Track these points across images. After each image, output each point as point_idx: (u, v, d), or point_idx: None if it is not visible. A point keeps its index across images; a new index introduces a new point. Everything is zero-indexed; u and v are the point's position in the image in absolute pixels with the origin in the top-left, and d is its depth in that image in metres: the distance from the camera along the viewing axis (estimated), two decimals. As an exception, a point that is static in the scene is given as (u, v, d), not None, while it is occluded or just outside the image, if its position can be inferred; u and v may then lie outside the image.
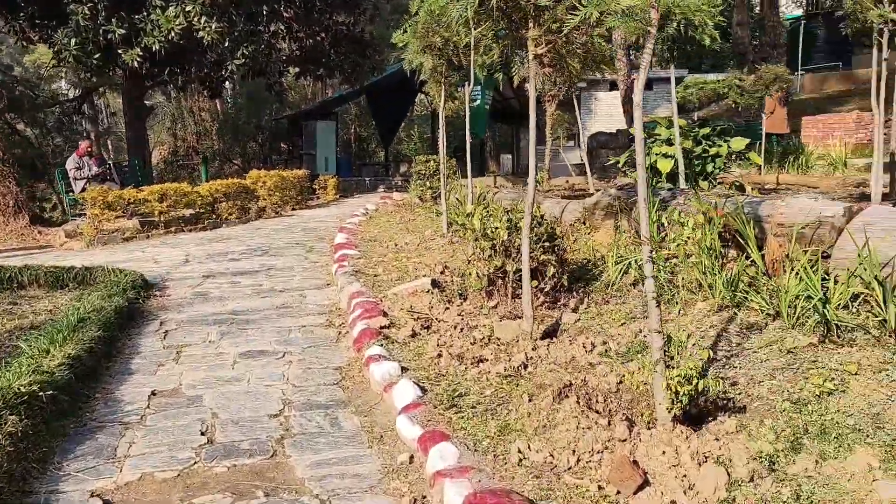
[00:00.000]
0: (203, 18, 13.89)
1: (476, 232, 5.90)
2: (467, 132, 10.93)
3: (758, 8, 32.17)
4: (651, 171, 10.89)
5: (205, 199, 13.00)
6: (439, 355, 4.85)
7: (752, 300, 4.83)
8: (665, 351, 3.58)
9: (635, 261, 5.89)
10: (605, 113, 34.86)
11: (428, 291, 6.23)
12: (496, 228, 5.82)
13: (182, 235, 12.02)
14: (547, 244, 5.80)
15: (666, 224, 6.30)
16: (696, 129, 10.72)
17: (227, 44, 15.12)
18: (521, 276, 5.83)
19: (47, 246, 11.66)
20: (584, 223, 8.07)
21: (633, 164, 11.68)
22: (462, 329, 5.39)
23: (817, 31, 30.39)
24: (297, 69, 21.66)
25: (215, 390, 4.67)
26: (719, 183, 10.74)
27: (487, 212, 6.06)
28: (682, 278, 5.57)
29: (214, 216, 13.25)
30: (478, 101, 23.00)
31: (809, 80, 30.49)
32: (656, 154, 10.57)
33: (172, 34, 13.83)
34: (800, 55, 30.61)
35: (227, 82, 20.90)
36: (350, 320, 5.90)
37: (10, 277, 7.59)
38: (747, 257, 5.33)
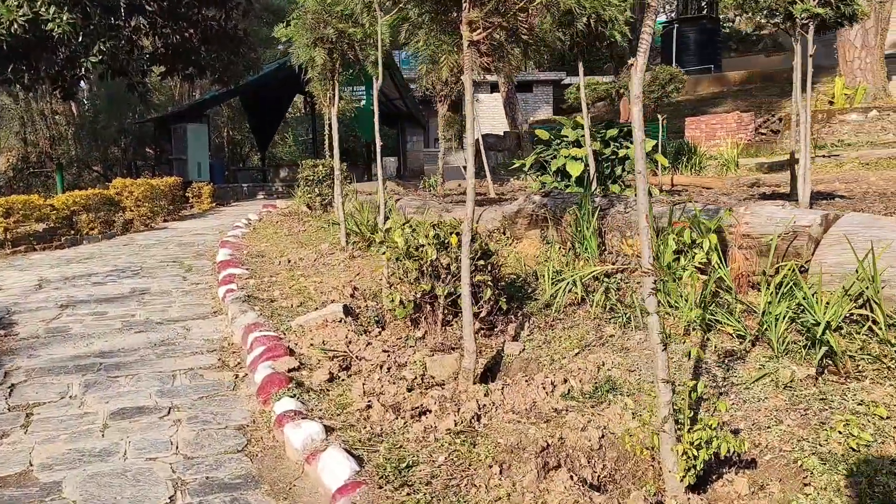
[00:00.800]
0: (52, 9, 12.26)
1: (398, 251, 5.03)
2: (376, 134, 9.99)
3: (628, 11, 33.02)
4: (559, 175, 10.38)
5: (60, 213, 11.39)
6: (369, 406, 3.94)
7: (725, 322, 4.23)
8: (674, 405, 2.86)
9: (579, 278, 5.19)
10: (487, 115, 34.71)
11: (340, 321, 5.29)
12: (422, 246, 4.98)
13: (34, 255, 10.40)
14: (481, 262, 5.02)
15: (606, 234, 5.67)
16: (604, 130, 10.29)
17: (80, 38, 13.48)
18: (453, 300, 5.02)
19: None
20: (504, 233, 7.36)
21: (541, 168, 11.17)
22: (390, 368, 4.50)
23: (689, 34, 31.44)
24: (162, 68, 19.93)
25: (80, 472, 3.55)
26: (627, 186, 10.36)
27: (411, 227, 5.20)
28: (635, 296, 4.94)
29: (73, 232, 11.64)
30: (364, 102, 22.07)
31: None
32: (565, 157, 10.06)
33: (15, 26, 12.09)
34: (673, 58, 31.58)
35: (82, 82, 18.87)
36: (249, 361, 4.88)
37: None
38: (705, 273, 4.75)
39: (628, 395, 3.81)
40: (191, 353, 5.39)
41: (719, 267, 4.50)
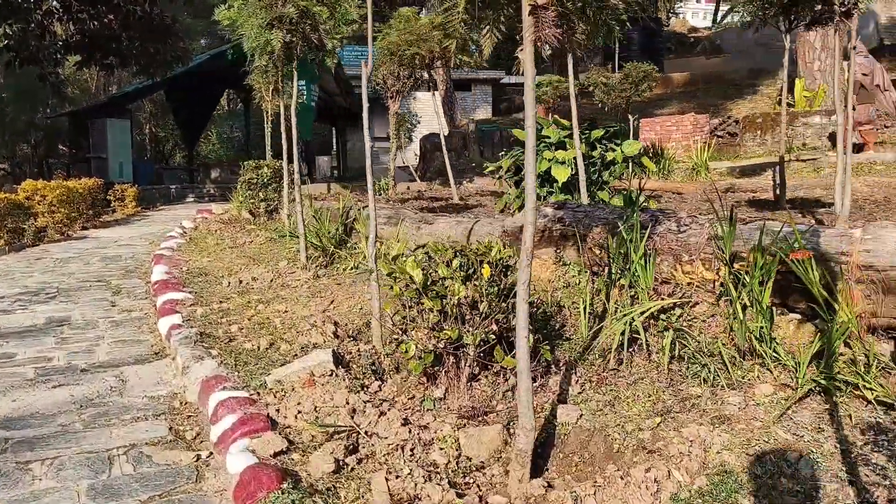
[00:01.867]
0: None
1: (411, 285, 3.86)
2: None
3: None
4: (543, 180, 9.35)
5: (-43, 221, 9.69)
6: (403, 520, 2.78)
7: (861, 384, 3.23)
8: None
9: (638, 316, 4.13)
10: (424, 114, 33.58)
11: (331, 374, 4.08)
12: (443, 279, 3.82)
13: (-77, 273, 8.73)
14: (513, 299, 3.89)
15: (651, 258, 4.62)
16: (588, 131, 9.31)
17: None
18: (485, 350, 3.89)
19: None
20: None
21: (518, 171, 10.11)
22: (413, 450, 3.33)
23: (631, 34, 31.03)
24: (78, 57, 18.06)
25: None
26: (616, 192, 9.42)
27: (427, 252, 4.04)
28: (703, 338, 3.92)
29: (-27, 243, 9.96)
30: (304, 98, 20.61)
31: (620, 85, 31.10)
32: (549, 160, 9.02)
33: None
34: (616, 58, 31.17)
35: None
36: (216, 436, 3.62)
37: None
38: (809, 316, 3.77)
39: (761, 496, 2.77)
40: (131, 418, 4.07)
41: (840, 308, 3.50)
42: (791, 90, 17.65)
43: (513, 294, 3.89)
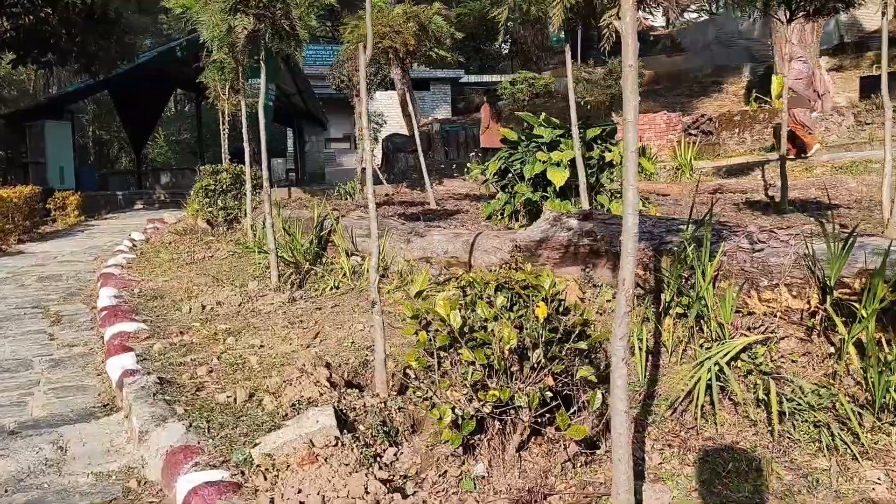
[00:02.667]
0: None
1: (445, 328, 2.98)
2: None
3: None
4: (536, 184, 8.53)
5: None
6: None
7: None
8: None
9: (722, 360, 3.30)
10: (386, 114, 32.61)
11: (336, 443, 3.16)
12: (486, 326, 2.95)
13: None
14: (581, 344, 3.03)
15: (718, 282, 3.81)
16: (582, 130, 8.52)
17: None
18: (539, 415, 3.02)
19: None
20: (514, 268, 5.38)
21: (506, 174, 9.27)
22: (465, 562, 2.45)
23: (593, 32, 30.47)
24: (12, 55, 16.64)
25: None
26: (615, 197, 8.65)
27: (460, 285, 3.15)
28: (824, 392, 3.12)
29: None
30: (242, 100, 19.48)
31: (583, 85, 30.68)
32: (543, 162, 8.21)
33: None
34: (579, 56, 30.66)
35: None
36: (189, 542, 2.68)
37: None
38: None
39: None
40: (73, 508, 3.10)
41: None
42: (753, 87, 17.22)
43: (571, 338, 3.04)
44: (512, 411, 2.92)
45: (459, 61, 25.76)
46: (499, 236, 5.73)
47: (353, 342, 4.83)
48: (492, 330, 2.91)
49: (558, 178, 7.97)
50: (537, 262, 5.10)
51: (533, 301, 3.00)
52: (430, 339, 3.03)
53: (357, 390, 3.92)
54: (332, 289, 6.62)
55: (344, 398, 3.69)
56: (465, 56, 33.52)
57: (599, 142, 8.75)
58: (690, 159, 13.15)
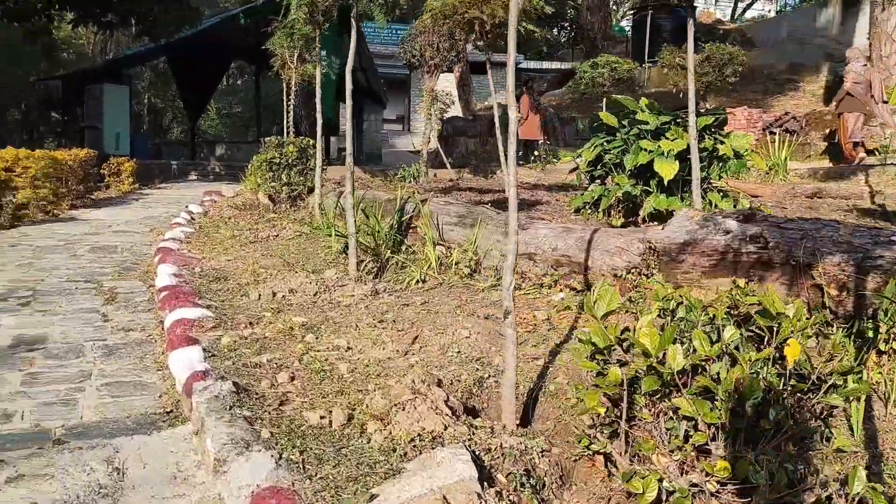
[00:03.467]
0: None
1: (646, 361, 2.16)
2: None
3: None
4: (637, 176, 7.66)
5: (-83, 195, 7.92)
6: None
7: None
8: None
9: None
10: (451, 93, 31.67)
11: (479, 500, 2.38)
12: (705, 366, 2.12)
13: None
14: (827, 398, 2.19)
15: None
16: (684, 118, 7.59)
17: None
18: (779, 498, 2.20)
19: None
20: (646, 275, 4.55)
21: (599, 164, 8.39)
22: None
23: (663, 23, 29.23)
24: (73, 14, 16.16)
25: None
26: (724, 195, 7.74)
27: (668, 309, 2.34)
28: None
29: (-65, 222, 8.19)
30: (325, 70, 18.81)
31: (657, 73, 29.35)
32: (649, 152, 7.32)
33: None
34: (646, 50, 29.51)
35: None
36: None
37: None
38: None
39: None
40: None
41: None
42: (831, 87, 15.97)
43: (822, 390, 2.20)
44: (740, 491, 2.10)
45: (546, 41, 24.49)
46: (622, 235, 4.89)
47: (458, 352, 4.06)
48: (717, 374, 2.09)
49: (667, 170, 7.07)
50: (678, 269, 4.25)
51: (769, 334, 2.17)
52: (622, 381, 2.22)
53: (481, 419, 3.14)
54: (417, 282, 5.86)
55: (474, 433, 2.90)
56: (524, 41, 32.54)
57: (710, 132, 7.83)
58: (785, 159, 12.08)
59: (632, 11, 32.79)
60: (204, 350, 4.03)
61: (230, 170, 18.52)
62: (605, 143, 8.16)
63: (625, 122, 8.07)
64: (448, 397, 3.22)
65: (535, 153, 20.85)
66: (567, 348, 4.17)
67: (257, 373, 3.73)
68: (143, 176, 15.32)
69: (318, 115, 8.59)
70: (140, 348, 4.53)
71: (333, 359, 3.96)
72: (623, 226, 7.41)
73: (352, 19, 6.05)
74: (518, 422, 3.18)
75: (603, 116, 8.45)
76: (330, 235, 7.27)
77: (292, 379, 3.64)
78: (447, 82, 29.85)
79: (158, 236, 8.25)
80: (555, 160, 21.86)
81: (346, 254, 6.71)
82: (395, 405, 3.06)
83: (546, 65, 34.95)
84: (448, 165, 17.21)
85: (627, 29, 38.01)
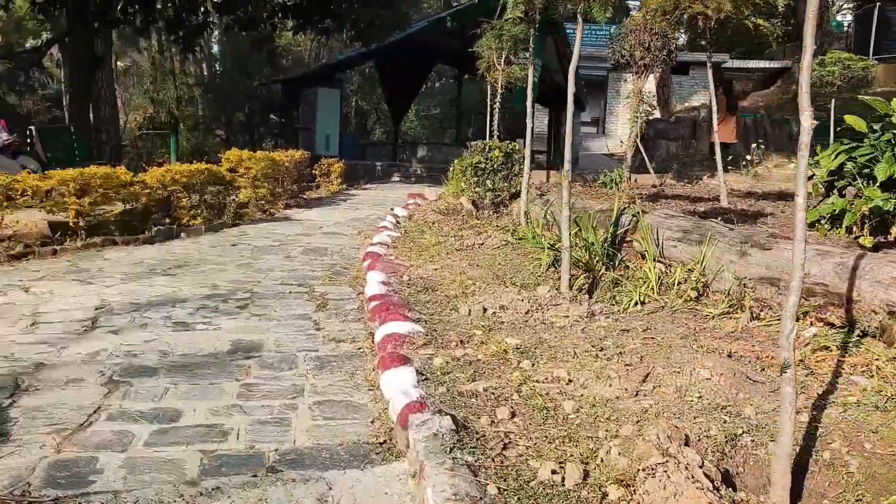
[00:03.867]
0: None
1: None
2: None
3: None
4: (890, 189, 6.57)
5: (154, 193, 8.52)
6: None
7: None
8: None
9: None
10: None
11: None
12: None
13: (110, 253, 7.52)
14: None
15: None
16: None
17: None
18: None
19: None
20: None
21: (840, 172, 7.30)
22: None
23: (892, 14, 26.10)
24: (294, 22, 17.06)
25: None
26: None
27: None
28: None
29: (169, 219, 8.78)
30: (518, 72, 18.58)
31: (884, 71, 26.24)
32: (918, 162, 6.23)
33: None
34: (871, 43, 26.52)
35: (205, 32, 16.26)
36: None
37: None
38: None
39: None
40: None
41: None
42: None
43: None
44: None
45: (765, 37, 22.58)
46: (903, 264, 4.06)
47: (699, 396, 3.50)
48: None
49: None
50: None
51: None
52: None
53: (737, 492, 2.59)
54: (635, 303, 5.32)
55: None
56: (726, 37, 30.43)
57: None
58: None
59: (851, 5, 29.50)
60: (417, 372, 3.78)
61: (430, 171, 18.79)
62: (849, 150, 7.11)
63: (875, 127, 6.99)
64: (703, 461, 2.69)
65: (748, 158, 19.23)
66: (835, 402, 3.48)
67: (474, 405, 3.40)
68: (349, 177, 15.87)
69: (529, 120, 8.25)
70: (350, 362, 4.38)
71: (555, 393, 3.56)
72: (875, 247, 6.39)
73: (577, 15, 5.62)
74: (789, 500, 2.60)
75: (850, 121, 7.39)
76: (538, 246, 6.89)
77: (513, 415, 3.27)
78: (648, 83, 28.61)
79: (366, 239, 8.31)
80: (767, 165, 20.06)
81: (556, 267, 6.32)
82: (642, 469, 2.59)
83: (752, 63, 32.43)
84: (651, 170, 16.30)
85: (845, 24, 34.46)
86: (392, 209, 10.60)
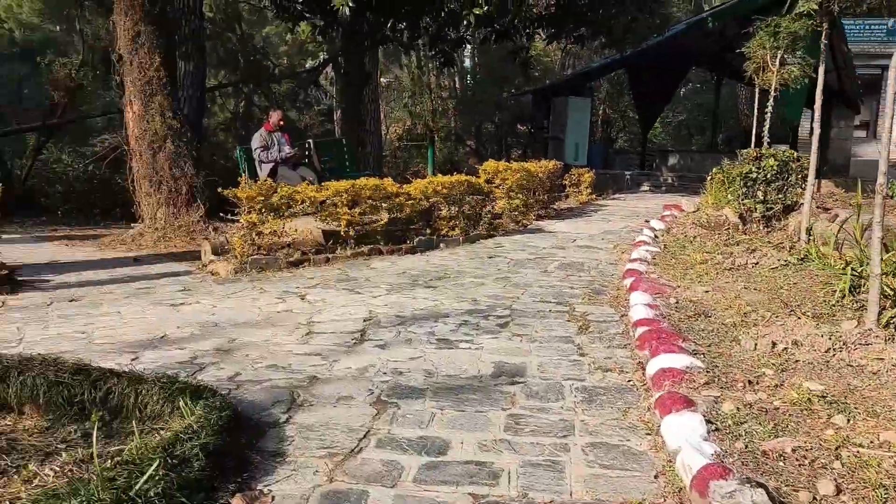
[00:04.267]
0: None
1: None
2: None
3: None
4: None
5: (417, 204, 8.75)
6: None
7: None
8: None
9: None
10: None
11: None
12: None
13: (376, 262, 7.81)
14: None
15: None
16: None
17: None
18: None
19: (196, 259, 8.10)
20: None
21: None
22: None
23: None
24: (548, 31, 16.93)
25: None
26: None
27: None
28: None
29: (429, 230, 8.99)
30: (795, 73, 16.88)
31: None
32: None
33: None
34: None
35: (463, 46, 16.70)
36: None
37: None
38: None
39: None
40: None
41: None
42: None
43: None
44: None
45: None
46: None
47: None
48: None
49: None
50: None
51: None
52: None
53: None
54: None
55: None
56: None
57: None
58: None
59: None
60: (706, 420, 3.31)
61: (682, 181, 17.76)
62: None
63: None
64: None
65: None
66: None
67: (784, 471, 2.87)
68: (597, 186, 15.42)
69: (816, 125, 7.29)
70: (621, 397, 4.00)
71: (889, 465, 2.91)
72: None
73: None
74: None
75: None
76: (830, 270, 6.00)
77: (838, 491, 2.70)
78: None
79: (623, 255, 7.87)
80: None
81: (854, 295, 5.44)
82: None
83: None
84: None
85: None
86: (647, 221, 10.01)
